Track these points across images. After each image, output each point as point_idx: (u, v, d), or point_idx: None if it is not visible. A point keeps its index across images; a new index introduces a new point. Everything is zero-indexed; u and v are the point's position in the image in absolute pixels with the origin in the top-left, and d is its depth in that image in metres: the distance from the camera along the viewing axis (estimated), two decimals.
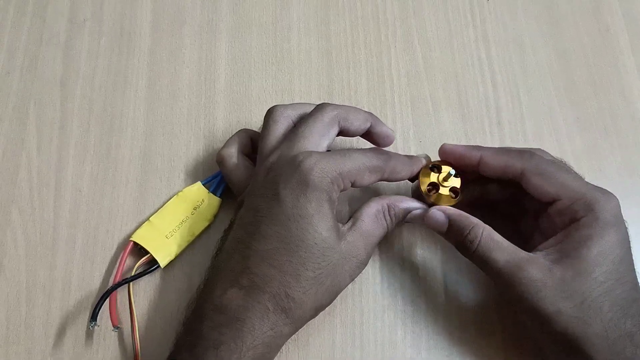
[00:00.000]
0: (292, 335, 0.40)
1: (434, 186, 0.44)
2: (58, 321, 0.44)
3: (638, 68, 0.56)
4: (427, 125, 0.52)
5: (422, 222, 0.43)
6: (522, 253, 0.39)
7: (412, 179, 0.46)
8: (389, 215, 0.43)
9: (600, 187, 0.41)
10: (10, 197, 0.47)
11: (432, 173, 0.44)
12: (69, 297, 0.44)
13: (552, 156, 0.43)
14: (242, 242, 0.40)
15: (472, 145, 0.44)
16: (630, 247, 0.40)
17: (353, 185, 0.41)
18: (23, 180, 0.48)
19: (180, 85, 0.52)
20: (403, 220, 0.44)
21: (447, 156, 0.44)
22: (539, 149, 0.44)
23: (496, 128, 0.52)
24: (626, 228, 0.40)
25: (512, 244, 0.40)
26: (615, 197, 0.40)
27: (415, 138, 0.52)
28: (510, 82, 0.54)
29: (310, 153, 0.40)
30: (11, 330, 0.43)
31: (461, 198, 0.43)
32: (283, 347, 0.43)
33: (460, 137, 0.52)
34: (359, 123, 0.44)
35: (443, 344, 0.45)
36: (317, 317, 0.44)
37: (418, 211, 0.44)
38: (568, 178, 0.41)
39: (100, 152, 0.49)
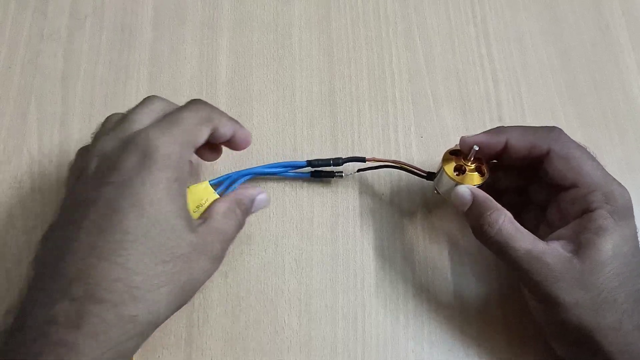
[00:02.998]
0: (146, 338, 0.35)
1: (460, 168, 0.43)
2: None
3: (638, 65, 0.56)
4: (428, 121, 0.52)
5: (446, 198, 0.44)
6: (541, 243, 0.39)
7: (430, 177, 0.46)
8: (239, 210, 0.40)
9: (615, 179, 0.41)
10: (12, 192, 0.47)
11: (455, 158, 0.43)
12: None
13: (569, 138, 0.42)
14: (77, 240, 0.33)
15: (494, 130, 0.43)
16: (638, 241, 0.40)
17: (195, 146, 0.38)
18: (24, 175, 0.48)
19: (182, 80, 0.52)
20: (251, 211, 0.42)
21: (466, 146, 0.43)
22: (559, 128, 0.43)
23: (497, 124, 0.52)
24: (635, 222, 0.40)
25: (531, 233, 0.39)
26: (627, 190, 0.40)
27: (416, 134, 0.52)
28: (511, 78, 0.55)
29: (148, 130, 0.36)
30: None
31: (487, 176, 0.43)
32: (287, 339, 0.44)
33: (461, 132, 0.52)
34: (227, 129, 0.40)
35: (445, 337, 0.45)
36: (318, 311, 0.45)
37: (262, 195, 0.42)
38: (590, 166, 0.41)
39: None
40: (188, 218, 0.36)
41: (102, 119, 0.50)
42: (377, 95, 0.53)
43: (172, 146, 0.35)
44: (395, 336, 0.45)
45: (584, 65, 0.56)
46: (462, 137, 0.43)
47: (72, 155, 0.48)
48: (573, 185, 0.40)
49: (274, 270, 0.46)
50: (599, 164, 0.41)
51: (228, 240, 0.39)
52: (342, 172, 0.48)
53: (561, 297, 0.37)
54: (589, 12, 0.58)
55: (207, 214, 0.39)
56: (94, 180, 0.35)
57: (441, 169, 0.44)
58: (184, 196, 0.36)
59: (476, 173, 0.43)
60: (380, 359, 0.44)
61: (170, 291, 0.34)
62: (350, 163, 0.47)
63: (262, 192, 0.42)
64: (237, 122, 0.41)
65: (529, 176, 0.45)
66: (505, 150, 0.42)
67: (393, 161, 0.47)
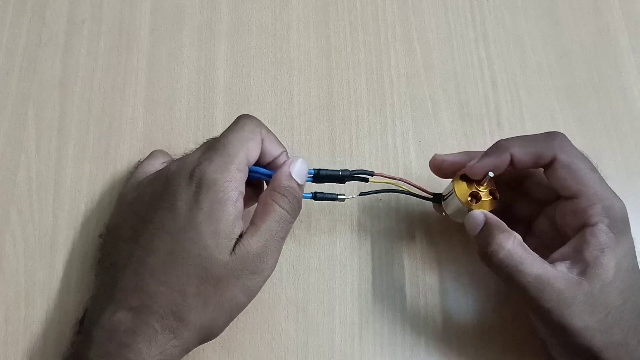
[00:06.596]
0: (182, 358, 0.39)
1: (475, 196, 0.42)
2: (57, 322, 0.44)
3: (638, 68, 0.56)
4: (426, 125, 0.52)
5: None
6: (550, 267, 0.38)
7: (436, 199, 0.45)
8: (282, 197, 0.40)
9: (614, 193, 0.40)
10: (9, 197, 0.47)
11: (467, 182, 0.42)
12: (67, 298, 0.44)
13: (572, 145, 0.41)
14: (134, 256, 0.38)
15: (494, 147, 0.41)
16: (636, 254, 0.40)
17: (249, 163, 0.40)
18: (22, 181, 0.48)
19: (179, 85, 0.52)
20: (301, 184, 0.41)
21: (477, 174, 0.41)
22: (561, 133, 0.41)
23: (496, 128, 0.52)
24: (632, 236, 0.40)
25: (539, 257, 0.38)
26: (624, 204, 0.40)
27: (414, 138, 0.52)
28: (510, 82, 0.54)
29: (201, 161, 0.39)
30: (10, 331, 0.43)
31: (499, 199, 0.42)
32: (284, 345, 0.44)
33: (459, 137, 0.52)
34: (273, 147, 0.42)
35: (441, 344, 0.45)
36: (315, 318, 0.45)
37: (296, 165, 0.41)
38: (592, 178, 0.40)
39: (99, 152, 0.49)
40: (227, 238, 0.38)
41: (100, 125, 0.50)
42: (376, 100, 0.53)
43: (218, 173, 0.38)
44: (392, 343, 0.45)
45: (584, 68, 0.56)
46: (468, 166, 0.41)
47: (70, 161, 0.49)
48: (574, 196, 0.40)
49: (270, 277, 0.45)
50: (600, 176, 0.40)
51: (274, 241, 0.39)
52: (344, 195, 0.44)
53: (572, 322, 0.37)
54: (588, 14, 0.58)
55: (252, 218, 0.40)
56: (155, 199, 0.40)
57: (452, 194, 0.42)
58: (227, 218, 0.38)
59: (490, 198, 0.42)
60: None
61: (202, 310, 0.38)
62: (353, 182, 0.45)
63: (294, 161, 0.41)
64: (281, 143, 0.43)
65: (512, 193, 0.45)
66: (512, 166, 0.41)
67: (399, 179, 0.44)
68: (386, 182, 0.45)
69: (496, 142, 0.41)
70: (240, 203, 0.39)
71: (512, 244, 0.38)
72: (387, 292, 0.46)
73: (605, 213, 0.39)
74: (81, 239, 0.46)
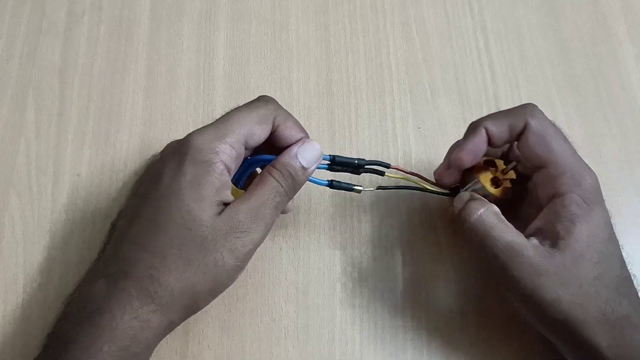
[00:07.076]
0: (166, 329, 0.37)
1: (496, 181, 0.42)
2: (55, 305, 0.43)
3: (636, 56, 0.56)
4: (425, 112, 0.52)
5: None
6: (522, 237, 0.38)
7: (453, 193, 0.44)
8: (278, 172, 0.39)
9: (585, 163, 0.40)
10: (9, 181, 0.47)
11: (490, 168, 0.42)
12: (66, 281, 0.44)
13: (545, 115, 0.41)
14: (120, 230, 0.39)
15: (469, 129, 0.41)
16: (612, 225, 0.39)
17: (249, 144, 0.39)
18: (21, 165, 0.48)
19: (179, 72, 0.52)
20: (305, 166, 0.40)
21: (465, 161, 0.41)
22: (532, 103, 0.41)
23: None
24: (606, 207, 0.39)
25: (513, 227, 0.38)
26: (596, 174, 0.39)
27: (413, 125, 0.52)
28: (508, 70, 0.55)
29: (194, 132, 0.38)
30: (8, 313, 0.43)
31: (510, 194, 0.42)
32: (284, 327, 0.44)
33: (459, 124, 0.52)
34: (291, 132, 0.40)
35: (442, 324, 0.44)
36: (316, 300, 0.44)
37: (304, 145, 0.40)
38: (562, 147, 0.39)
39: (98, 137, 0.49)
40: (212, 202, 0.37)
41: (100, 111, 0.50)
42: (375, 87, 0.53)
43: (206, 143, 0.37)
44: (393, 325, 0.44)
45: (582, 57, 0.56)
46: (454, 157, 0.41)
47: (69, 146, 0.49)
48: (544, 165, 0.39)
49: (271, 259, 0.46)
50: (571, 145, 0.40)
51: (265, 214, 0.38)
52: (361, 187, 0.43)
53: (542, 294, 0.37)
54: (586, 3, 0.58)
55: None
56: (149, 175, 0.40)
57: (476, 182, 0.42)
58: (212, 184, 0.37)
59: (510, 186, 0.42)
60: (378, 348, 0.44)
61: (185, 271, 0.36)
62: (367, 174, 0.44)
63: (306, 143, 0.40)
64: (304, 129, 0.41)
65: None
66: (489, 144, 0.40)
67: (415, 174, 0.44)
68: (401, 178, 0.44)
69: (470, 124, 0.42)
70: (226, 176, 0.38)
71: (484, 211, 0.38)
72: (387, 274, 0.46)
73: (575, 182, 0.38)
74: (80, 223, 0.46)
